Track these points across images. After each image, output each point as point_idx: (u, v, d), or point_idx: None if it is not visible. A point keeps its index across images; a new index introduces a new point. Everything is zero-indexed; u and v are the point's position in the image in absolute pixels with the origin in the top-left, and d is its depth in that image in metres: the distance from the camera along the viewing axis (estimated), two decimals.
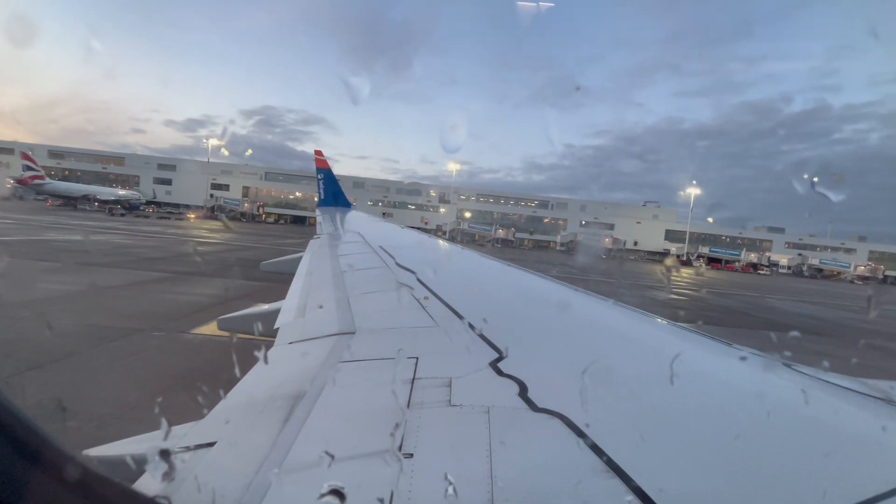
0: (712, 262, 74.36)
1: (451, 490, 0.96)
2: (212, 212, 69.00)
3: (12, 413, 0.72)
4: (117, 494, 0.76)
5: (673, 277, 37.54)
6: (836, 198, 1.56)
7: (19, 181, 51.27)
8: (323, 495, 0.91)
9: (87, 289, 11.25)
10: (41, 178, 52.61)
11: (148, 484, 0.99)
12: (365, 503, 0.93)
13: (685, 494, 1.00)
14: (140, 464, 1.04)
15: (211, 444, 1.18)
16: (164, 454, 1.01)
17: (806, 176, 1.60)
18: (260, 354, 1.86)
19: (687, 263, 69.38)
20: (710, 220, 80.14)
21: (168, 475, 0.99)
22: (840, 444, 1.25)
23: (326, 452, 1.06)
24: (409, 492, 0.95)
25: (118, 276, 13.26)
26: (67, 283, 11.77)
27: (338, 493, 0.91)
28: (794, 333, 13.33)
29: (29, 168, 52.43)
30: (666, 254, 76.66)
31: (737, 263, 73.16)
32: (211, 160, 79.66)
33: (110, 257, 16.92)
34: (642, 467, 1.03)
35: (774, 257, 75.78)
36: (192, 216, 58.92)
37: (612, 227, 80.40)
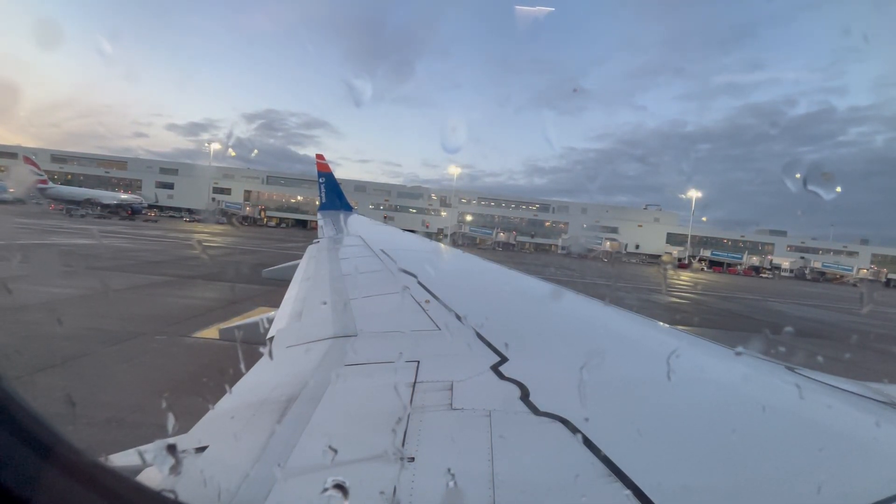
0: (714, 265, 74.25)
1: (452, 493, 0.96)
2: (216, 216, 69.13)
3: (24, 410, 0.73)
4: (124, 488, 0.77)
5: (674, 281, 37.45)
6: (833, 198, 1.55)
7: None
8: (326, 490, 0.91)
9: (92, 292, 11.28)
10: (44, 182, 52.81)
11: (153, 476, 0.99)
12: (367, 501, 0.93)
13: (690, 497, 1.00)
14: (147, 463, 1.05)
15: (214, 445, 1.18)
16: (171, 449, 1.02)
17: (803, 177, 1.60)
18: (261, 358, 1.87)
19: (686, 266, 69.31)
20: (705, 219, 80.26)
21: (175, 469, 0.99)
22: (836, 445, 1.25)
23: (330, 447, 1.07)
24: (411, 495, 0.95)
25: (122, 280, 13.30)
26: (76, 286, 11.79)
27: (341, 487, 0.91)
28: (795, 336, 13.29)
29: (33, 172, 52.61)
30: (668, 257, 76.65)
31: (738, 266, 72.99)
32: (213, 164, 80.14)
33: (115, 261, 16.98)
34: (646, 471, 1.03)
35: (776, 260, 75.55)
36: (186, 220, 59.32)
37: (614, 230, 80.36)
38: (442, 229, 73.95)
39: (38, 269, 13.38)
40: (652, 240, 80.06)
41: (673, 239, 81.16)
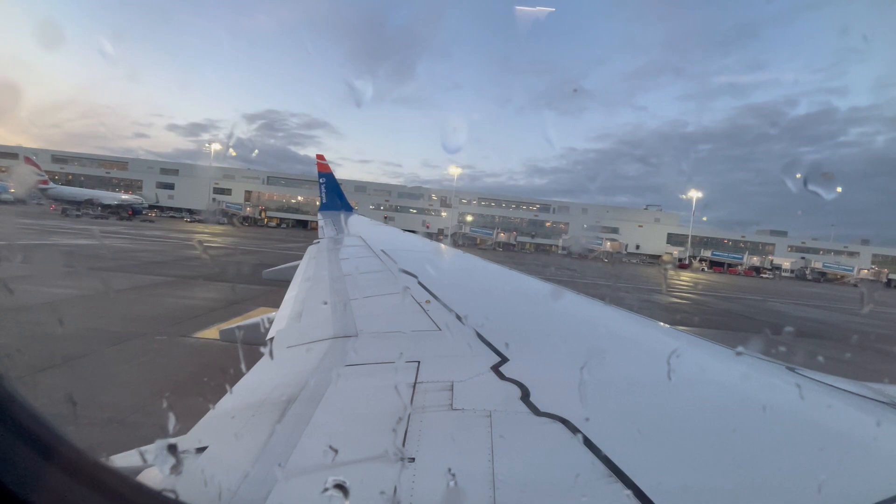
0: (714, 265, 74.25)
1: (453, 493, 0.96)
2: (217, 216, 69.28)
3: (25, 409, 0.73)
4: (125, 487, 0.77)
5: (675, 281, 37.42)
6: (833, 198, 1.56)
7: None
8: (326, 490, 0.91)
9: (93, 292, 11.29)
10: (45, 182, 52.86)
11: (154, 476, 1.00)
12: (367, 501, 0.93)
13: (690, 497, 0.99)
14: (148, 463, 1.05)
15: (214, 445, 1.18)
16: (172, 449, 1.02)
17: (803, 177, 1.60)
18: (261, 358, 1.87)
19: (687, 266, 69.32)
20: (705, 219, 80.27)
21: (176, 469, 1.00)
22: (837, 445, 1.25)
23: (331, 447, 1.07)
24: (412, 495, 0.95)
25: (123, 280, 13.31)
26: (77, 286, 11.80)
27: (341, 487, 0.92)
28: (796, 336, 13.27)
29: (34, 173, 52.68)
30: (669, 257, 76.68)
31: (739, 267, 72.98)
32: (214, 164, 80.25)
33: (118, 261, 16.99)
34: (646, 471, 1.02)
35: (777, 261, 75.52)
36: (186, 220, 59.47)
37: (615, 230, 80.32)
38: (442, 230, 73.99)
39: (40, 270, 13.40)
40: (652, 240, 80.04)
41: (673, 239, 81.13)
